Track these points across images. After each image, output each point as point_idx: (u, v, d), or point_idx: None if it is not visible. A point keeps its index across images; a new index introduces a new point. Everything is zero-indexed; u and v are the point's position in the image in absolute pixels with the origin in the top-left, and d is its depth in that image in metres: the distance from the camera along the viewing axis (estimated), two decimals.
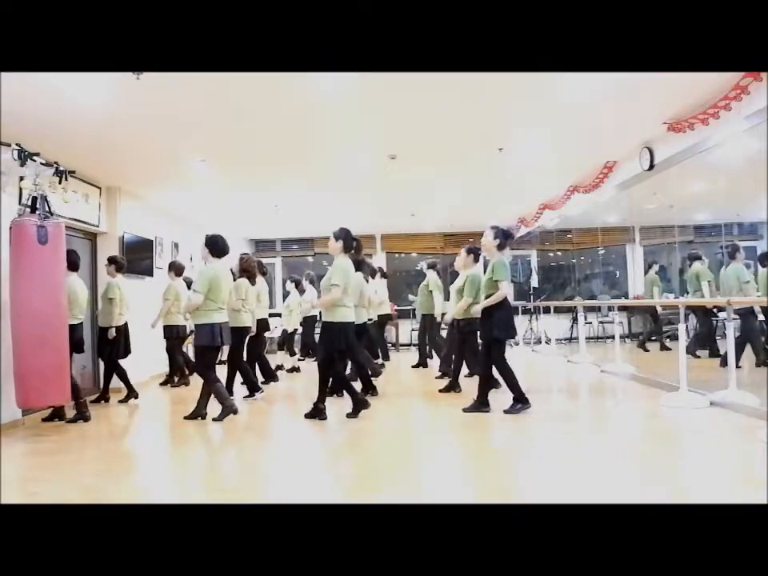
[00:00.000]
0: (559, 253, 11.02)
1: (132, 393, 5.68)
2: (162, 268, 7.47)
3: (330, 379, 4.75)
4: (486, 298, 4.46)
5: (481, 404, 4.51)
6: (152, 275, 7.32)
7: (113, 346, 5.56)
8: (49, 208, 4.37)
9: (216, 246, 4.72)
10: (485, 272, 4.65)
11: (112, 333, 5.49)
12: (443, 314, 6.52)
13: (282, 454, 3.76)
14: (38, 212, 4.27)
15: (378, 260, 11.86)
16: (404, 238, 11.75)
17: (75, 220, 5.73)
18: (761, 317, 5.66)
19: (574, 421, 4.41)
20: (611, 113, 4.70)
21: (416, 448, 3.78)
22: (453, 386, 5.63)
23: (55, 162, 4.59)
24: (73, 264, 4.84)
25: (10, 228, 4.24)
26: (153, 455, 3.98)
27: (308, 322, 7.82)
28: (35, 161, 4.34)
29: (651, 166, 5.49)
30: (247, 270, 5.68)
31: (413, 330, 10.99)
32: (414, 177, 6.81)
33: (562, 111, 4.66)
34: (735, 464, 3.13)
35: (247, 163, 6.01)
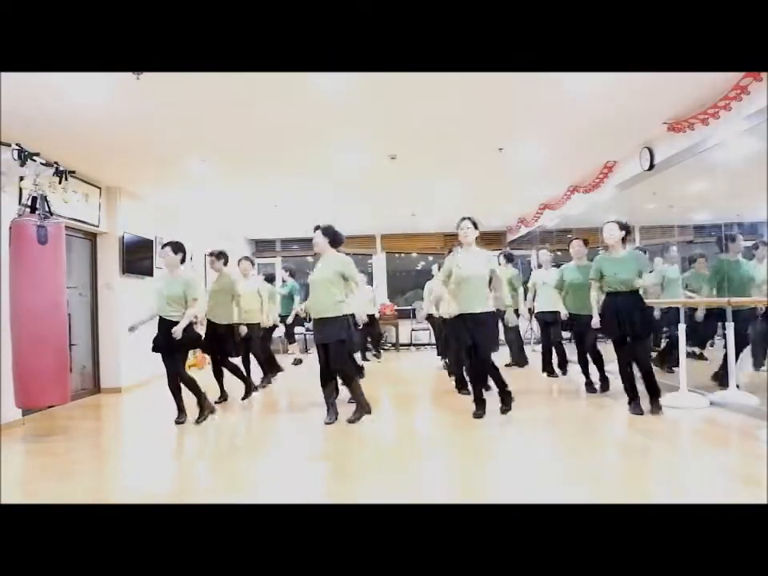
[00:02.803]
0: (559, 253, 11.01)
1: (249, 391, 5.65)
2: (162, 268, 7.44)
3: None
4: (633, 292, 4.38)
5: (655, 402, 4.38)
6: (152, 275, 7.32)
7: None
8: (49, 208, 4.37)
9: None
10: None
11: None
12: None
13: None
14: (37, 212, 4.28)
15: (378, 260, 11.89)
16: (404, 237, 11.75)
17: (75, 220, 5.74)
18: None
19: (574, 421, 4.41)
20: (611, 113, 4.70)
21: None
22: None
23: (55, 162, 4.59)
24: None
25: (10, 228, 4.25)
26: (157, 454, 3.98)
27: (369, 319, 7.78)
28: (35, 161, 4.35)
29: (651, 166, 5.48)
30: None
31: (413, 329, 11.01)
32: (414, 177, 6.81)
33: (562, 111, 4.66)
34: (735, 464, 3.12)
35: (247, 163, 6.01)
